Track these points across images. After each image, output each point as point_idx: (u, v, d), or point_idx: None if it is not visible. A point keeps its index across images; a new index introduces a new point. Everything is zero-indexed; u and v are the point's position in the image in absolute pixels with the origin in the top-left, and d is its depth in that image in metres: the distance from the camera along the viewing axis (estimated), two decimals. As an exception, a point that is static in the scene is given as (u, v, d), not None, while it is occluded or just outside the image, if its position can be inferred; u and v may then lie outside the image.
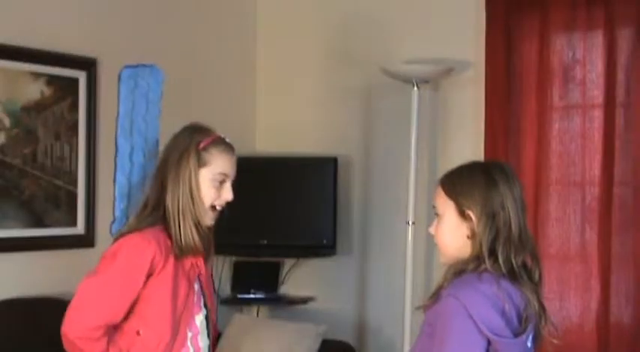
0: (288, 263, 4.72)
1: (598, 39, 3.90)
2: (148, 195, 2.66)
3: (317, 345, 4.14)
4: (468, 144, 4.24)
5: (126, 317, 2.58)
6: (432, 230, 2.37)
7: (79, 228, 4.02)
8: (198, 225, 2.63)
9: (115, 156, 2.70)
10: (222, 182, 2.66)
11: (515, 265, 2.23)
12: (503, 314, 2.16)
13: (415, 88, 4.16)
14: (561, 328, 3.92)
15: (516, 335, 2.17)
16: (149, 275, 2.55)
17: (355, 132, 4.67)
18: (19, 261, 3.79)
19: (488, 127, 4.10)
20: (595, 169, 3.90)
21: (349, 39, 4.69)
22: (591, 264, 3.90)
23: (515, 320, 2.19)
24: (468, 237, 2.27)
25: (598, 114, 3.90)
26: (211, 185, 2.63)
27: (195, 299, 2.66)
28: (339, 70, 4.71)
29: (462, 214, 2.27)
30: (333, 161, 4.51)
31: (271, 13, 4.97)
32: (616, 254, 3.83)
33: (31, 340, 3.52)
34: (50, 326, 3.59)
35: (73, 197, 4.01)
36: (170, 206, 2.58)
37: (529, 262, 2.26)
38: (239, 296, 4.63)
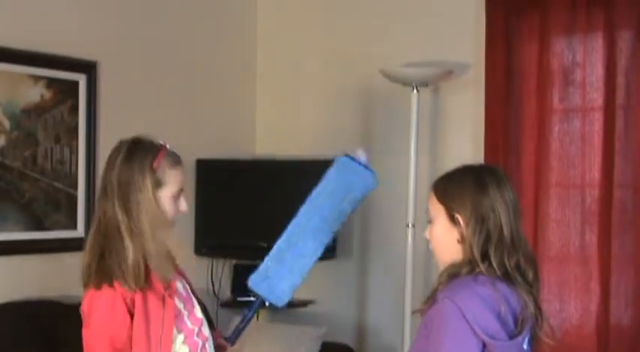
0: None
1: (598, 41, 3.90)
2: (96, 220, 2.57)
3: (317, 348, 4.15)
4: (467, 147, 4.24)
5: None
6: (427, 235, 2.38)
7: (79, 231, 4.02)
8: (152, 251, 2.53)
9: (290, 222, 2.75)
10: (177, 196, 2.61)
11: (508, 267, 2.24)
12: (498, 316, 2.16)
13: (415, 91, 4.16)
14: (561, 330, 3.94)
15: (512, 337, 2.17)
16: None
17: (355, 135, 4.67)
18: (19, 264, 3.79)
19: (488, 130, 4.10)
20: (595, 171, 3.90)
21: (349, 42, 4.69)
22: (591, 266, 3.90)
23: (511, 322, 2.19)
24: (458, 242, 2.28)
25: (598, 117, 3.90)
26: (172, 202, 2.57)
27: (183, 301, 2.62)
28: (339, 73, 4.71)
29: (452, 218, 2.28)
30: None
31: (271, 16, 4.97)
32: (616, 256, 3.83)
33: (31, 343, 3.51)
34: (50, 328, 3.61)
35: (73, 200, 4.01)
36: (126, 233, 2.48)
37: (522, 264, 2.26)
38: (239, 299, 4.63)
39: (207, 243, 4.57)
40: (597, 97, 3.91)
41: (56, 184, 3.94)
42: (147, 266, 2.50)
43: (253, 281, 2.77)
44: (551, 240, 3.99)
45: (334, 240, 4.48)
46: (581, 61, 3.96)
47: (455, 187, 2.31)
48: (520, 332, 2.19)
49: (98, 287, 2.49)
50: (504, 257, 2.24)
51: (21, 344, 3.48)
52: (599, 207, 3.87)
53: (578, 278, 3.94)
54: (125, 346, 2.47)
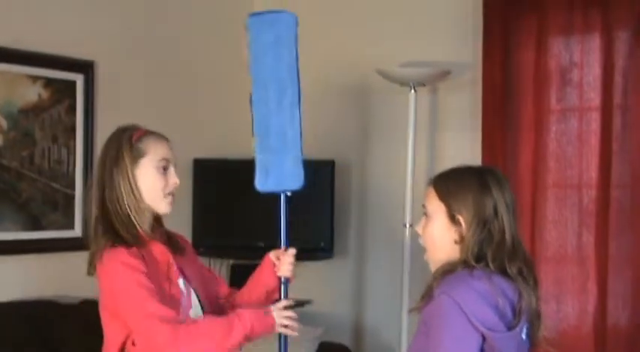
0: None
1: (595, 42, 3.91)
2: (95, 205, 2.60)
3: (314, 348, 4.15)
4: (465, 147, 4.24)
5: (115, 336, 2.55)
6: (419, 229, 2.37)
7: (77, 231, 4.02)
8: (148, 218, 2.60)
9: (251, 108, 2.62)
10: (165, 168, 2.62)
11: (510, 272, 2.24)
12: (496, 309, 2.16)
13: (412, 91, 4.16)
14: (558, 330, 3.94)
15: (510, 328, 2.18)
16: None
17: (352, 135, 4.67)
18: (16, 264, 3.79)
19: (485, 130, 4.10)
20: (592, 172, 3.90)
21: (346, 42, 4.69)
22: (588, 266, 3.90)
23: (509, 314, 2.20)
24: (455, 242, 2.28)
25: (595, 117, 3.91)
26: (157, 172, 2.59)
27: (183, 298, 2.64)
28: (336, 72, 4.71)
29: (452, 218, 2.28)
30: (331, 164, 4.51)
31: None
32: (613, 256, 3.84)
33: (29, 343, 3.51)
34: (47, 328, 3.60)
35: (70, 199, 4.01)
36: (115, 206, 2.54)
37: (525, 271, 2.27)
38: (237, 298, 4.63)
39: (205, 242, 4.57)
40: (594, 97, 3.91)
41: (53, 184, 3.94)
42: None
43: (260, 184, 2.66)
44: (548, 240, 3.99)
45: (331, 240, 4.50)
46: (579, 61, 3.96)
47: (457, 187, 2.29)
48: (518, 323, 2.20)
49: (108, 247, 2.52)
50: (505, 261, 2.24)
51: (18, 343, 3.48)
52: (597, 207, 3.87)
53: (575, 278, 3.94)
54: (151, 284, 2.50)
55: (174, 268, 2.63)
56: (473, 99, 4.22)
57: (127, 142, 2.58)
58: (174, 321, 2.45)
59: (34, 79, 3.87)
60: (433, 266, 2.34)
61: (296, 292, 4.70)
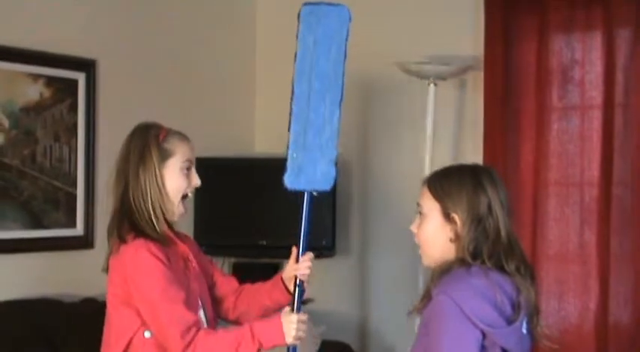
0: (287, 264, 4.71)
1: (597, 40, 3.90)
2: (115, 198, 2.63)
3: (317, 346, 4.15)
4: (466, 145, 4.24)
5: (126, 327, 2.56)
6: (413, 228, 2.38)
7: (78, 230, 4.02)
8: (172, 216, 2.64)
9: (291, 101, 2.56)
10: (188, 169, 2.65)
11: (508, 269, 2.25)
12: (495, 305, 2.17)
13: (432, 85, 4.14)
14: (560, 328, 3.93)
15: (510, 322, 2.19)
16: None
17: (354, 132, 4.67)
18: (18, 262, 3.79)
19: (486, 128, 4.09)
20: (594, 170, 3.90)
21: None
22: (590, 264, 3.90)
23: (508, 309, 2.21)
24: (450, 240, 2.29)
25: (597, 115, 3.90)
26: (181, 174, 2.63)
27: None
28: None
29: (447, 217, 2.29)
30: (333, 162, 4.50)
31: (271, 12, 4.97)
32: (614, 254, 3.83)
33: (30, 341, 3.52)
34: (49, 327, 3.61)
35: (72, 198, 4.01)
36: (140, 204, 2.57)
37: (522, 269, 2.28)
38: (238, 297, 4.63)
39: (207, 241, 4.55)
40: (596, 95, 3.91)
41: (55, 183, 3.95)
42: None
43: (290, 182, 2.59)
44: (550, 239, 3.99)
45: (333, 238, 4.50)
46: (580, 59, 3.96)
47: (452, 185, 2.31)
48: (518, 317, 2.20)
49: (131, 239, 2.55)
50: (502, 258, 2.25)
51: (20, 342, 3.48)
52: (598, 205, 3.87)
53: (576, 276, 3.94)
54: (179, 281, 2.53)
55: (194, 264, 2.66)
56: (474, 96, 4.21)
57: (154, 141, 2.60)
58: (194, 326, 2.47)
59: (36, 77, 3.88)
60: (428, 264, 2.36)
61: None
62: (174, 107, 4.44)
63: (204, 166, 4.57)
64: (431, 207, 2.32)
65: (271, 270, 4.70)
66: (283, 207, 4.71)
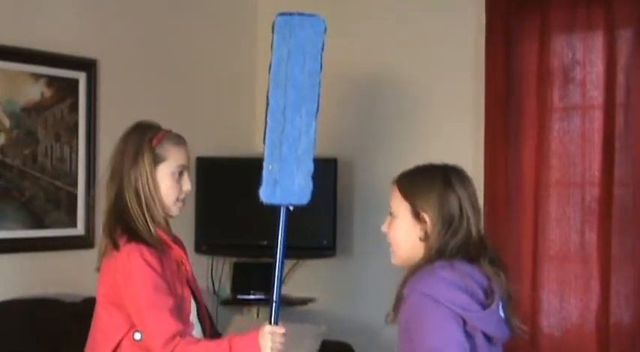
0: (289, 264, 4.72)
1: (598, 40, 3.90)
2: (109, 196, 2.65)
3: (317, 346, 4.15)
4: (467, 145, 4.24)
5: (115, 330, 2.57)
6: (384, 229, 2.40)
7: (79, 229, 4.02)
8: (159, 220, 2.64)
9: (266, 113, 2.54)
10: (180, 174, 2.66)
11: (481, 263, 2.27)
12: (466, 291, 2.20)
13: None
14: (561, 328, 3.94)
15: (485, 307, 2.21)
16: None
17: (354, 133, 4.67)
18: (19, 262, 3.79)
19: (488, 128, 4.09)
20: (595, 170, 3.90)
21: (346, 40, 4.68)
22: (591, 264, 3.90)
23: (481, 294, 2.23)
24: (420, 239, 2.31)
25: (598, 115, 3.90)
26: (172, 179, 2.64)
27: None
28: (337, 70, 4.69)
29: (417, 216, 2.31)
30: (334, 162, 4.51)
31: (272, 13, 4.93)
32: (616, 255, 3.83)
33: (31, 341, 3.52)
34: (50, 327, 3.61)
35: (73, 198, 4.01)
36: (134, 205, 2.58)
37: (497, 263, 2.30)
38: (239, 297, 4.63)
39: (207, 241, 4.57)
40: (597, 95, 3.91)
41: (56, 182, 3.94)
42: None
43: (265, 195, 2.51)
44: (552, 239, 3.99)
45: (334, 238, 4.50)
46: (581, 59, 3.96)
47: (421, 185, 2.34)
48: (492, 301, 2.22)
49: (123, 243, 2.56)
50: (471, 254, 2.28)
51: (21, 342, 3.48)
52: (599, 205, 3.87)
53: (578, 276, 3.94)
54: (168, 289, 2.54)
55: (187, 268, 2.66)
56: (476, 96, 4.21)
57: (147, 145, 2.61)
58: (178, 334, 2.48)
59: (37, 77, 3.87)
60: (396, 264, 2.40)
61: (299, 290, 4.73)
62: (174, 107, 4.44)
63: (205, 166, 4.60)
64: (401, 206, 2.34)
65: (272, 270, 4.71)
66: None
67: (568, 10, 3.95)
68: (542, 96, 3.99)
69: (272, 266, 4.70)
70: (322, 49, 2.56)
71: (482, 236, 2.32)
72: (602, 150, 3.86)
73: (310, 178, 2.51)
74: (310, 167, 2.50)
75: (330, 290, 4.72)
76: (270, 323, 2.51)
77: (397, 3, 4.54)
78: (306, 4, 4.86)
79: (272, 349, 2.48)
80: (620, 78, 3.84)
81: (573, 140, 3.97)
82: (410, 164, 4.17)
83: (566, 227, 3.97)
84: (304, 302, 4.66)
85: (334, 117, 4.72)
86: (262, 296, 4.60)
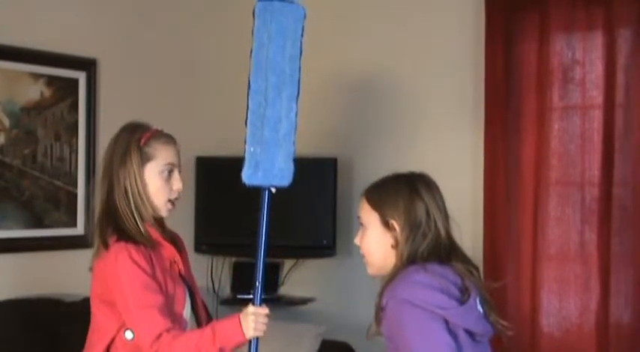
0: (288, 263, 4.72)
1: (597, 39, 3.90)
2: (100, 196, 2.65)
3: (317, 346, 4.14)
4: (467, 145, 4.24)
5: (108, 327, 2.57)
6: (357, 241, 2.47)
7: (79, 229, 4.03)
8: (150, 219, 2.64)
9: (248, 96, 2.59)
10: (170, 172, 2.65)
11: (454, 266, 2.31)
12: (441, 290, 2.23)
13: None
14: (561, 328, 3.94)
15: (462, 303, 2.25)
16: None
17: (355, 132, 4.67)
18: (18, 262, 3.79)
19: (487, 127, 4.09)
20: (594, 170, 3.90)
21: (347, 39, 4.69)
22: (591, 264, 3.90)
23: (456, 292, 2.26)
24: (392, 247, 2.37)
25: (597, 115, 3.91)
26: (161, 177, 2.64)
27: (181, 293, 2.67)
28: (338, 70, 4.70)
29: (386, 224, 2.37)
30: (333, 161, 4.51)
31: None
32: (615, 254, 3.83)
33: (31, 341, 3.51)
34: (50, 326, 3.61)
35: (72, 197, 4.01)
36: (123, 205, 2.59)
37: (471, 266, 2.33)
38: (238, 296, 4.63)
39: (207, 240, 4.57)
40: (597, 95, 3.91)
41: (56, 182, 3.95)
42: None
43: (247, 176, 2.58)
44: (551, 238, 3.99)
45: (334, 238, 4.50)
46: (581, 58, 3.96)
47: (389, 194, 2.40)
48: (468, 297, 2.26)
49: (112, 243, 2.56)
50: (442, 257, 2.32)
51: (20, 342, 3.48)
52: (599, 205, 3.87)
53: (577, 276, 3.94)
54: (157, 287, 2.54)
55: (179, 266, 2.66)
56: (475, 96, 4.21)
57: (135, 144, 2.62)
58: (166, 332, 2.48)
59: (37, 76, 3.88)
60: (372, 273, 2.48)
61: (299, 290, 4.73)
62: (174, 106, 4.44)
63: (205, 166, 4.60)
64: (370, 217, 2.40)
65: (271, 270, 4.72)
66: (284, 206, 4.72)
67: (568, 10, 3.95)
68: (541, 96, 3.99)
69: (272, 265, 4.73)
70: (302, 35, 2.61)
71: (451, 237, 2.37)
72: (601, 149, 3.87)
73: (291, 161, 2.56)
74: (291, 150, 2.57)
75: (329, 290, 4.72)
76: (254, 304, 2.53)
77: (397, 3, 4.54)
78: (306, 4, 4.88)
79: (255, 329, 2.50)
80: (620, 78, 3.84)
81: (573, 139, 3.97)
82: (410, 163, 4.16)
83: (565, 226, 3.97)
84: (304, 301, 4.66)
85: (334, 117, 4.72)
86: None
